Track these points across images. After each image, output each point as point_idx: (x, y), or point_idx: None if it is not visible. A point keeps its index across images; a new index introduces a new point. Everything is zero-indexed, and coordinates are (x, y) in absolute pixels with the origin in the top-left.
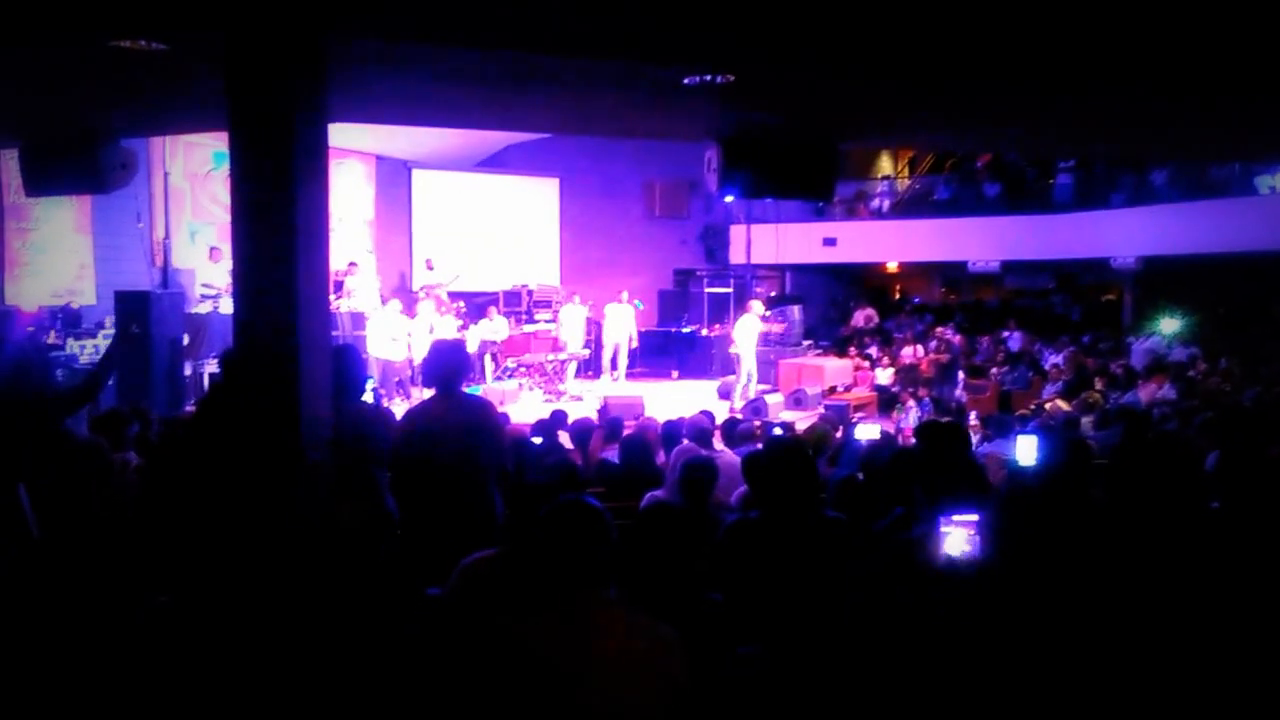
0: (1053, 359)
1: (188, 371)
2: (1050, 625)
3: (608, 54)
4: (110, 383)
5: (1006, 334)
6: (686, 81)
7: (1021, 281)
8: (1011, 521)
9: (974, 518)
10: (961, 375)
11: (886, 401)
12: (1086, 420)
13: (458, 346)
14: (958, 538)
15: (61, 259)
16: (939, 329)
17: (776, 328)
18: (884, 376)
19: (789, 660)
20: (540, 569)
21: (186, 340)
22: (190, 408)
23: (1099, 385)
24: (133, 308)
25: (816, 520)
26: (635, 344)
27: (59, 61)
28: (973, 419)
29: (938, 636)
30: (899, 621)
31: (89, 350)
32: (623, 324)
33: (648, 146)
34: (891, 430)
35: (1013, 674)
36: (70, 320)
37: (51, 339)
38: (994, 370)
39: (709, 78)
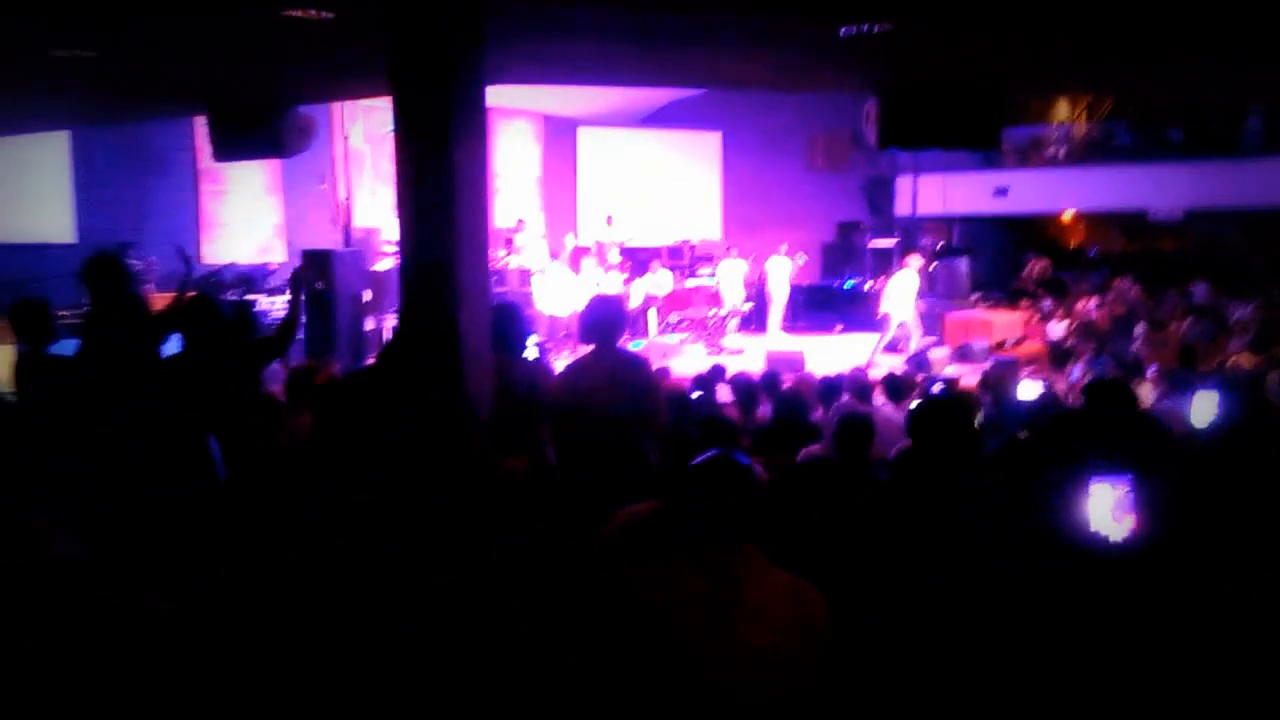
0: (1239, 312)
1: (369, 326)
2: (1211, 613)
3: (765, 8)
4: (298, 338)
5: (1191, 286)
6: (843, 33)
7: (1207, 230)
8: (1175, 488)
9: (1124, 483)
10: (1141, 329)
11: (1059, 356)
12: (1275, 377)
13: (615, 302)
14: (1104, 503)
15: (255, 220)
16: (1116, 281)
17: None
18: (1057, 330)
19: (925, 623)
20: (686, 523)
21: (369, 296)
22: (369, 362)
23: None
24: (318, 266)
25: (970, 481)
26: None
27: (238, 32)
28: (1150, 374)
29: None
30: (1027, 594)
31: (279, 307)
32: (781, 278)
33: (810, 98)
34: (1064, 387)
35: (1164, 663)
36: (261, 279)
37: (247, 297)
38: (1176, 324)
39: (866, 28)
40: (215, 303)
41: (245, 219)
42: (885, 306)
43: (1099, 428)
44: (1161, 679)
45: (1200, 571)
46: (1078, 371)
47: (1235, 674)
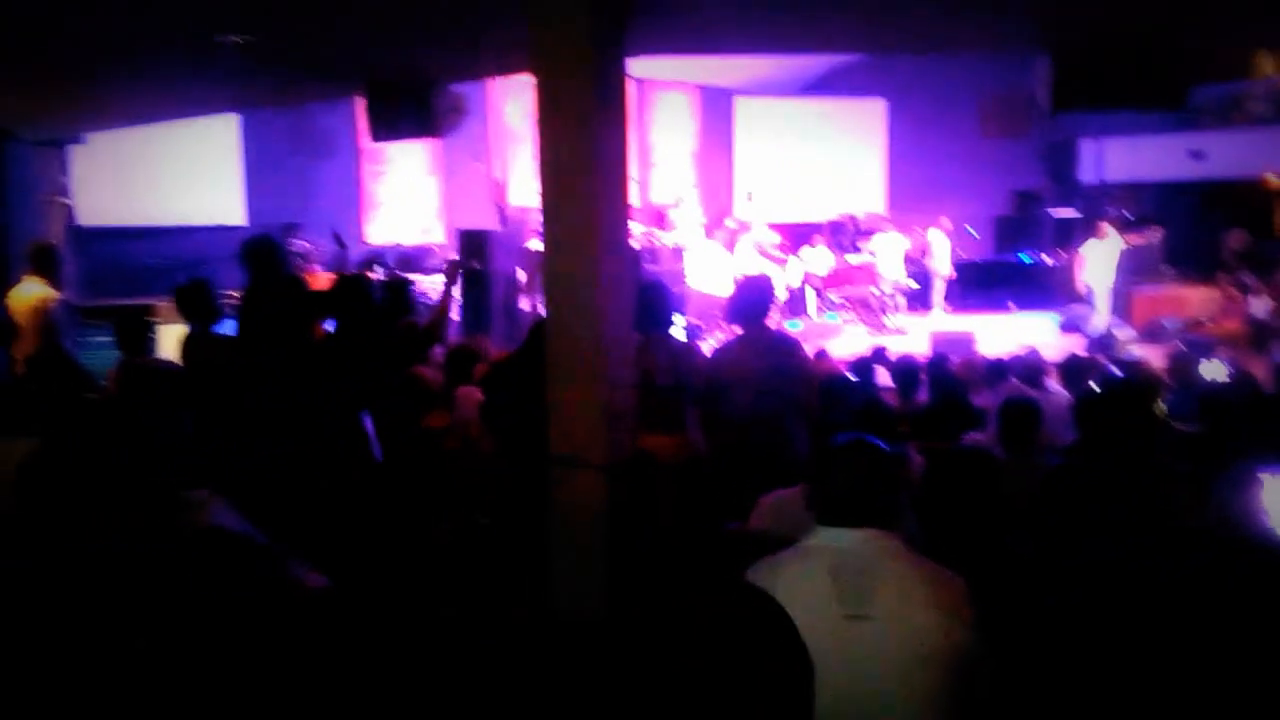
0: None
1: (524, 306)
2: None
3: None
4: (453, 318)
5: None
6: None
7: None
8: None
9: None
10: None
11: (1260, 336)
12: None
13: (762, 282)
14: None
15: (414, 200)
16: None
17: (1145, 239)
18: (1260, 308)
19: (1084, 628)
20: (822, 509)
21: (524, 276)
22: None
23: None
24: (473, 245)
25: (1143, 474)
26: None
27: (387, 10)
28: None
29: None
30: (1198, 597)
31: (437, 288)
32: (942, 252)
33: (982, 59)
34: (1267, 370)
35: None
36: (421, 258)
37: (404, 276)
38: None
39: None
40: (366, 283)
41: (405, 199)
42: (1086, 275)
43: None
44: None
45: None
46: None
47: None
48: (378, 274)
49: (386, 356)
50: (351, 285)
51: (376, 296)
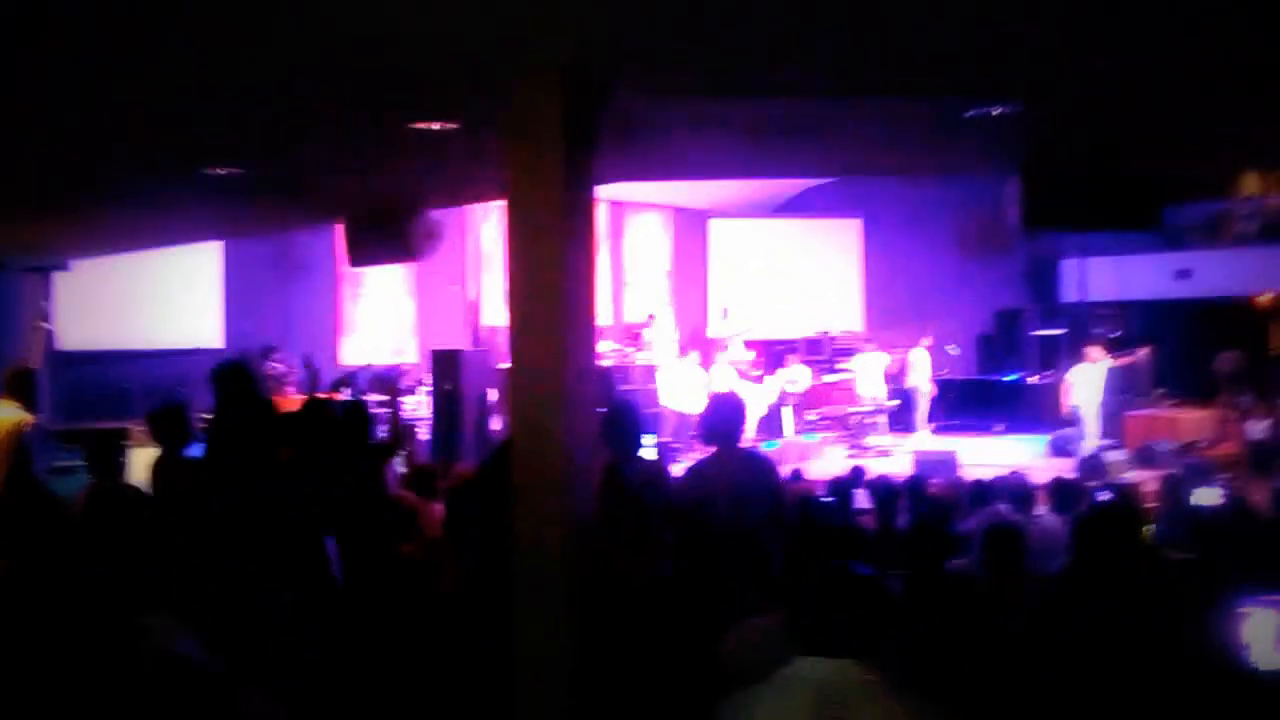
0: None
1: (496, 426)
2: None
3: (881, 91)
4: (426, 438)
5: None
6: (968, 115)
7: None
8: None
9: (1273, 608)
10: None
11: (1260, 459)
12: None
13: (734, 401)
14: (1263, 630)
15: (390, 321)
16: None
17: (1135, 359)
18: (1257, 430)
19: None
20: (798, 641)
21: (496, 396)
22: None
23: None
24: (446, 366)
25: (1131, 605)
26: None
27: (370, 145)
28: None
29: None
30: None
31: (408, 406)
32: (923, 372)
33: (961, 177)
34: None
35: None
36: (388, 379)
37: (377, 397)
38: None
39: (993, 109)
40: (328, 406)
41: (381, 320)
42: (1074, 399)
43: None
44: None
45: None
46: None
47: None
48: (345, 395)
49: (348, 479)
50: (314, 409)
51: (336, 417)
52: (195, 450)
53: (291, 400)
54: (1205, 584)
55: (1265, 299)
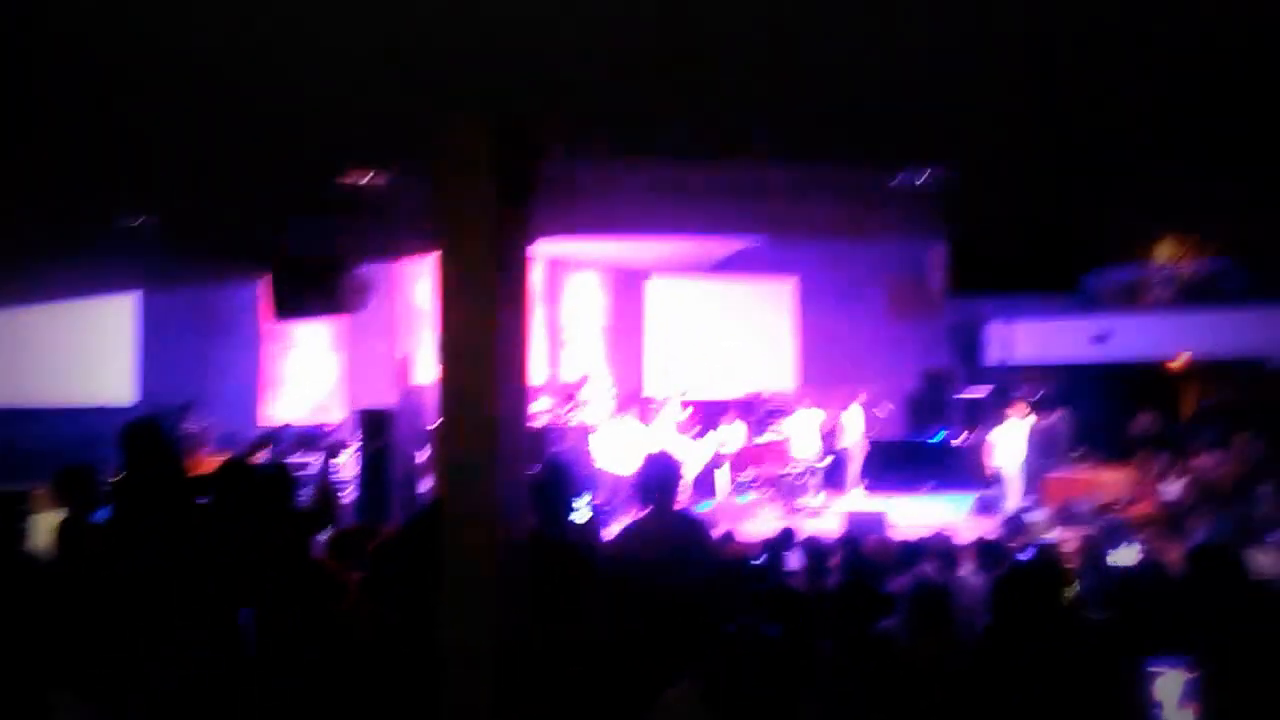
0: None
1: (425, 487)
2: None
3: (808, 158)
4: (351, 499)
5: None
6: (894, 182)
7: None
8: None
9: (1186, 668)
10: (1267, 489)
11: (1175, 519)
12: None
13: (668, 461)
14: (1170, 690)
15: (315, 378)
16: (1237, 435)
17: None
18: (1172, 491)
19: None
20: (717, 700)
21: (426, 456)
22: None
23: None
24: (374, 425)
25: (1053, 660)
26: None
27: (296, 197)
28: (1276, 540)
29: None
30: None
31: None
32: (856, 432)
33: (890, 241)
34: (1179, 554)
35: None
36: (313, 439)
37: (298, 457)
38: None
39: (917, 178)
40: (246, 468)
41: (306, 377)
42: (997, 459)
43: (1201, 601)
44: None
45: None
46: (1198, 536)
47: None
48: (265, 456)
49: (265, 545)
50: (230, 471)
51: (256, 480)
52: (103, 514)
53: (208, 461)
54: (1121, 643)
55: (1178, 363)
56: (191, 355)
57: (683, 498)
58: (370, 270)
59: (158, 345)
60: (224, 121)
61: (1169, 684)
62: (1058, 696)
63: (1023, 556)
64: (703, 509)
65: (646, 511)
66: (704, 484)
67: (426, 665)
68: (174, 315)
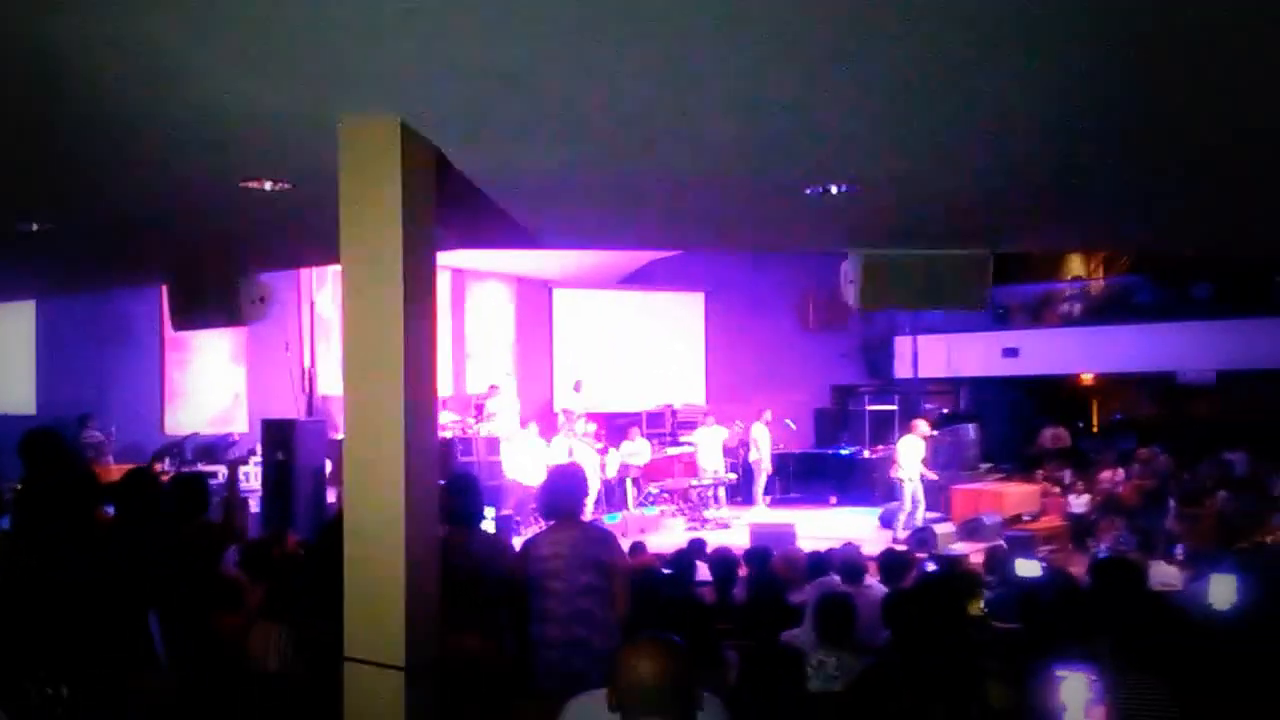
0: None
1: (332, 498)
2: None
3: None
4: (255, 510)
5: (1228, 455)
6: (808, 192)
7: (1243, 394)
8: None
9: (1090, 673)
10: (1173, 504)
11: (1080, 532)
12: None
13: (575, 473)
14: (1075, 695)
15: (218, 389)
16: (1143, 449)
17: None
18: (1078, 504)
19: None
20: (623, 707)
21: (331, 467)
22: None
23: None
24: (278, 436)
25: (955, 670)
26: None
27: (196, 203)
28: (1178, 554)
29: None
30: None
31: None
32: (764, 446)
33: (801, 255)
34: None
35: None
36: (218, 449)
37: (202, 468)
38: (1211, 498)
39: (831, 189)
40: (152, 478)
41: (208, 388)
42: (900, 473)
43: (1102, 612)
44: None
45: None
46: (1103, 550)
47: None
48: (165, 466)
49: (174, 554)
50: (137, 480)
51: (164, 491)
52: (2, 523)
53: (110, 471)
54: (1030, 652)
55: (1087, 378)
56: (91, 364)
57: (589, 510)
58: (271, 280)
59: (56, 354)
60: (119, 126)
61: (1075, 687)
62: (967, 701)
63: (930, 567)
64: (610, 521)
65: (554, 522)
66: (611, 496)
67: (330, 680)
68: (73, 323)
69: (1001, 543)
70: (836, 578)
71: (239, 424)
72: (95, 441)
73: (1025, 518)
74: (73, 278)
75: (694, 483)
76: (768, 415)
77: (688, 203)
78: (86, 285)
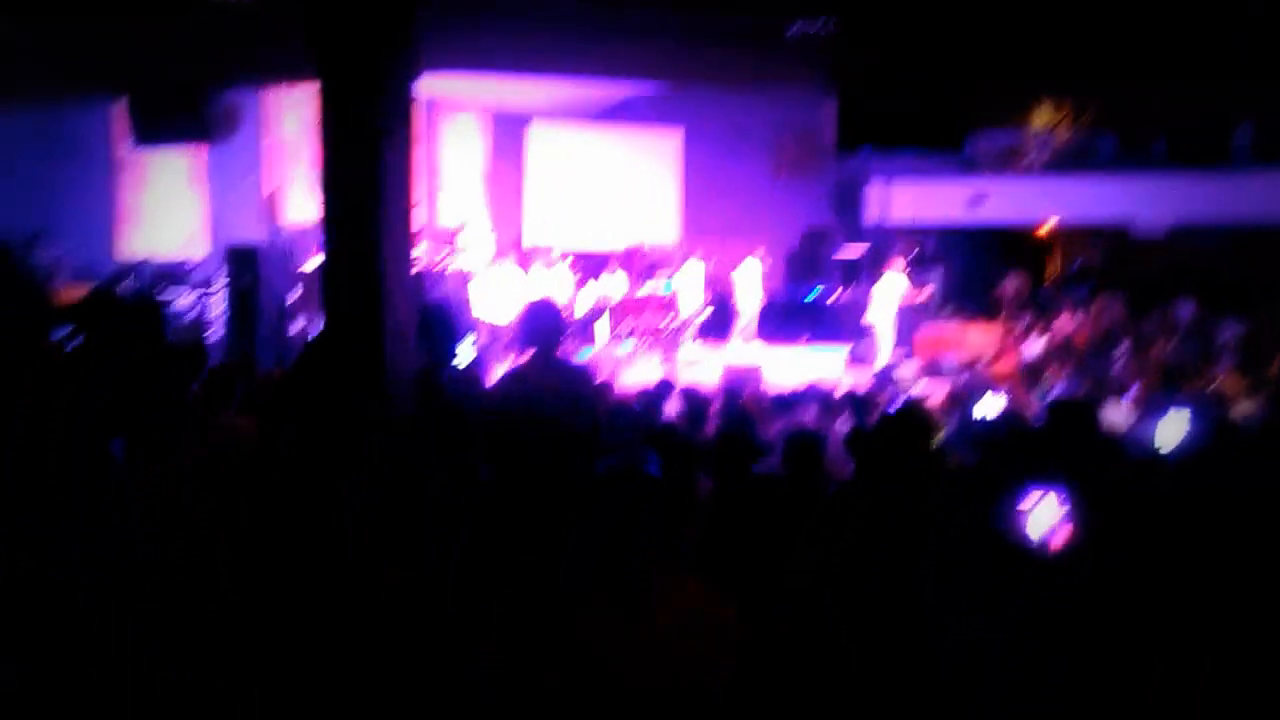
0: (1227, 332)
1: (296, 328)
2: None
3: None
4: (216, 338)
5: (1177, 304)
6: (792, 30)
7: (1194, 246)
8: (1115, 510)
9: (1058, 493)
10: (1123, 349)
11: (1034, 375)
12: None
13: (552, 308)
14: (1042, 514)
15: (175, 214)
16: (1098, 298)
17: (923, 295)
18: (1034, 348)
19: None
20: (591, 542)
21: (297, 296)
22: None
23: None
24: (241, 263)
25: (918, 500)
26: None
27: (158, 13)
28: (1130, 396)
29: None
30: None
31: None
32: (751, 286)
33: (780, 95)
34: (1037, 408)
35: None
36: (178, 275)
37: (162, 294)
38: (1161, 344)
39: (813, 27)
40: (116, 299)
41: (166, 211)
42: (871, 317)
43: (1055, 449)
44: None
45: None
46: (1055, 392)
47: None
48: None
49: (135, 376)
50: (100, 300)
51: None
52: None
53: (64, 294)
54: (987, 485)
55: (1045, 229)
56: (39, 183)
57: (563, 345)
58: (238, 97)
59: (2, 171)
60: None
61: (1046, 507)
62: (919, 531)
63: (891, 408)
64: (582, 357)
65: (531, 356)
66: (583, 333)
67: (329, 509)
68: (18, 139)
69: (961, 384)
70: (805, 415)
71: (199, 249)
72: (45, 263)
73: (984, 360)
74: (22, 87)
75: (666, 321)
76: (760, 253)
77: (669, 33)
78: (40, 94)
